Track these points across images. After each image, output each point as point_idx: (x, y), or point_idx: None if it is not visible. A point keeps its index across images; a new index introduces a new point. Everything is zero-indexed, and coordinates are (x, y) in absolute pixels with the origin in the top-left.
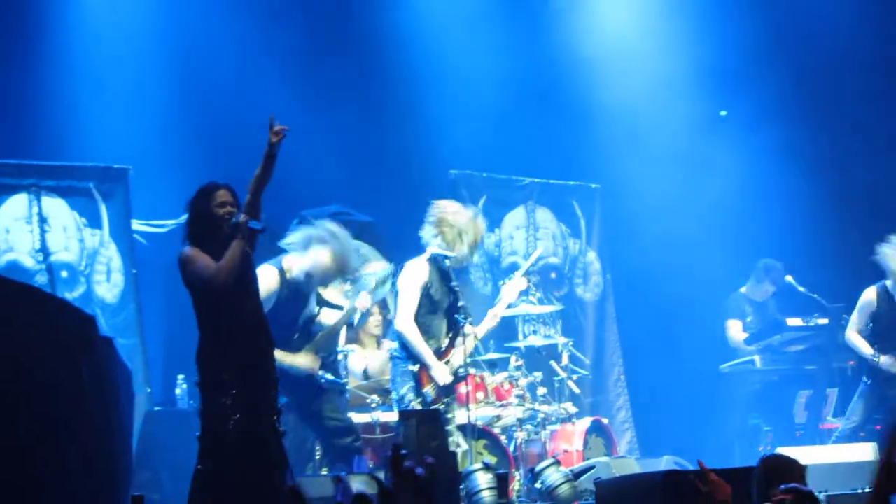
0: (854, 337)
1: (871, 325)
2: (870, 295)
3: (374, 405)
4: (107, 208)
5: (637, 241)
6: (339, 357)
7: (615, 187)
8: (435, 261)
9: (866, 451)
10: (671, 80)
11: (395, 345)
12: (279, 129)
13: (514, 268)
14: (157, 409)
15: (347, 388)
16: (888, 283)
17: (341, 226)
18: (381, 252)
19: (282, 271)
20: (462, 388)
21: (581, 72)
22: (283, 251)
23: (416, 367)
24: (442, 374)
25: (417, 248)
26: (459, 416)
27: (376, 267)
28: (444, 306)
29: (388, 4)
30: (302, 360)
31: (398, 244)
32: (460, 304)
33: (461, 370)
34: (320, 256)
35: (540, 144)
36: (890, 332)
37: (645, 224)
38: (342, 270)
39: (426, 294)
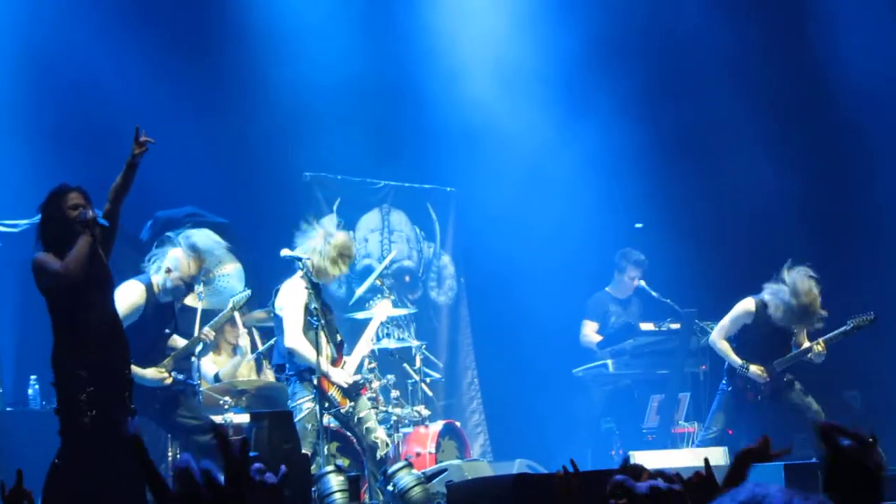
0: (722, 343)
1: (740, 335)
2: (748, 306)
3: (226, 406)
4: None
5: (491, 244)
6: (192, 359)
7: (470, 191)
8: (308, 278)
9: (718, 456)
10: (526, 84)
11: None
12: (144, 141)
13: (368, 270)
14: (9, 409)
15: (200, 389)
16: (765, 296)
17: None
18: (235, 254)
19: (149, 287)
20: (368, 392)
21: (438, 75)
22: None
23: (314, 379)
24: (342, 377)
25: (271, 249)
26: (371, 412)
27: (229, 268)
28: (323, 321)
29: (244, 7)
30: (152, 374)
31: (253, 246)
32: (330, 316)
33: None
34: (182, 262)
35: (395, 147)
36: (758, 346)
37: (499, 228)
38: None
39: (308, 311)
